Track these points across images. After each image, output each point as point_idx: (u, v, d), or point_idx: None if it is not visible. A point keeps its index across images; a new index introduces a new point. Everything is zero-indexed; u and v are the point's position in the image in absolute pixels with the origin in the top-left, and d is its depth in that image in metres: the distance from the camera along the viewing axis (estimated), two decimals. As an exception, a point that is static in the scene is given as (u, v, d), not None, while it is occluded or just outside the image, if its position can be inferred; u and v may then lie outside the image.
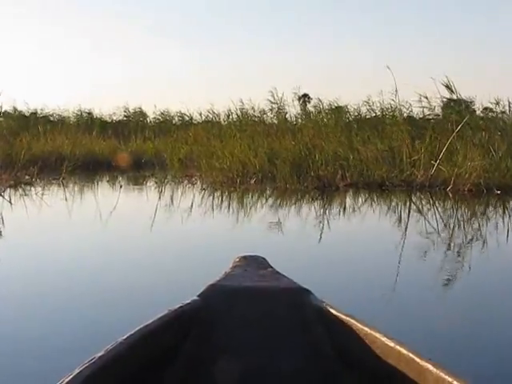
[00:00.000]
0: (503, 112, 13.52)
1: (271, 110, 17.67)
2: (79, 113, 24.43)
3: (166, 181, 12.33)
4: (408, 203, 10.08)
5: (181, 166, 14.57)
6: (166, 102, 33.83)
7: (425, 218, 8.25)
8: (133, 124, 24.38)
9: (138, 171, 15.80)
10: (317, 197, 10.45)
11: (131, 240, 6.47)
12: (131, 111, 25.93)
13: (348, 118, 16.03)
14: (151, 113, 25.42)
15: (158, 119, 24.65)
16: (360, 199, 10.49)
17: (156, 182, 10.93)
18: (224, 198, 10.62)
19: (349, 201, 10.26)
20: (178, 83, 33.03)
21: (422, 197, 10.50)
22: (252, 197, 10.65)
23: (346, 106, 16.68)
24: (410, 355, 1.78)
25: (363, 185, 11.21)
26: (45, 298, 4.04)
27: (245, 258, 2.46)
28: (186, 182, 12.68)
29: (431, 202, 10.13)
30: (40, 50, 37.45)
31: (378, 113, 15.13)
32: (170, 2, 37.82)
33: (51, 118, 23.61)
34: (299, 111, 18.43)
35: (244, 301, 2.17)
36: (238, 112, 17.71)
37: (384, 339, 1.90)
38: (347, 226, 7.68)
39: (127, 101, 27.01)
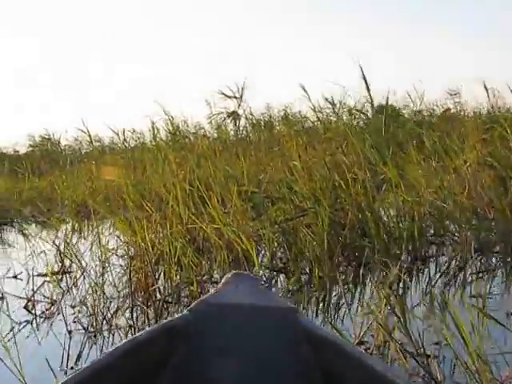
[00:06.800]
0: None
1: (211, 122, 13.80)
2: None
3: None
4: None
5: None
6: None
7: None
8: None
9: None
10: None
11: None
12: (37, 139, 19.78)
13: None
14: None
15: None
16: None
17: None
18: None
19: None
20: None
21: None
22: None
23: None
24: (396, 381, 1.74)
25: None
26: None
27: (237, 274, 2.40)
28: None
29: None
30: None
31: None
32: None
33: None
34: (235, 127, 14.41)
35: (233, 317, 2.13)
36: (166, 128, 11.33)
37: (370, 362, 1.86)
38: None
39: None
